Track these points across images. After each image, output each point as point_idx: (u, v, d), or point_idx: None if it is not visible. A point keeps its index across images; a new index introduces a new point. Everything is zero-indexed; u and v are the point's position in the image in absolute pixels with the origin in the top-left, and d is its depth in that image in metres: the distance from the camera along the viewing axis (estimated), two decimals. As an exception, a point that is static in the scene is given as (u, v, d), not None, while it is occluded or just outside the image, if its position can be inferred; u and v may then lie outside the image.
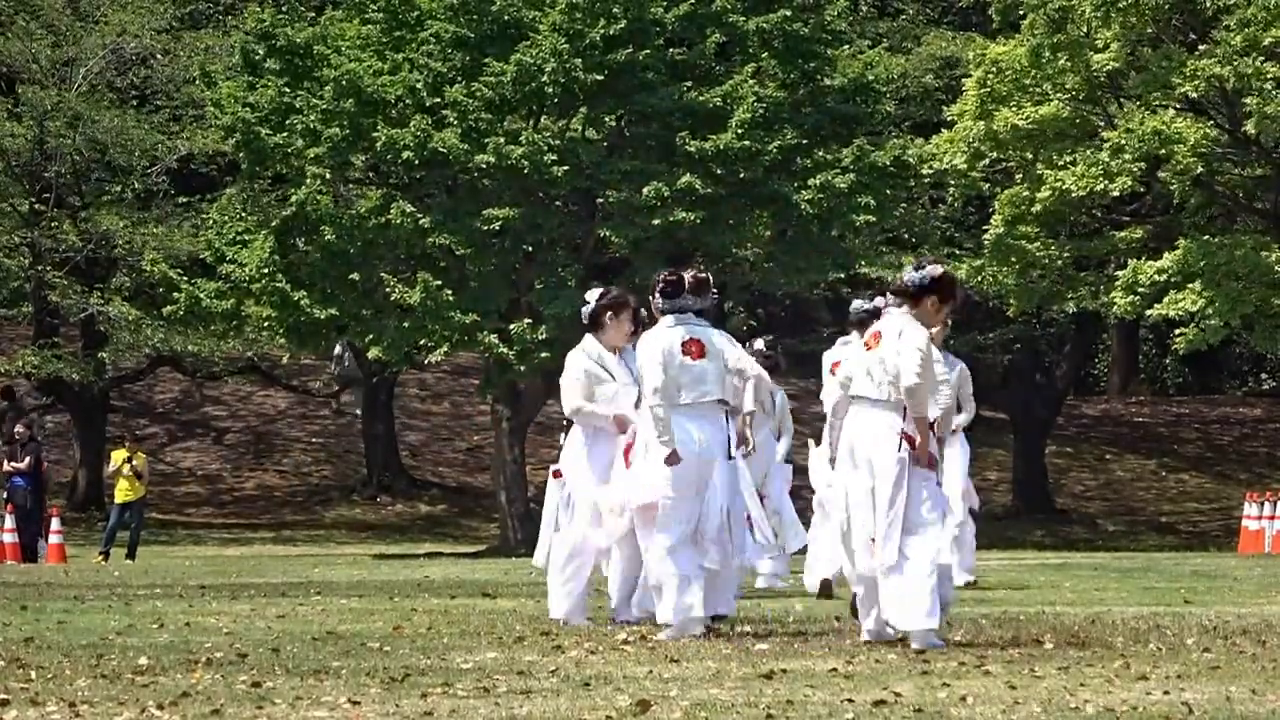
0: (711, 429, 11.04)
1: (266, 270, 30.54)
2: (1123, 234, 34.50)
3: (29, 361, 37.69)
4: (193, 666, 8.74)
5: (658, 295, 11.24)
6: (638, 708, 7.05)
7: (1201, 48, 31.34)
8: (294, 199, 31.00)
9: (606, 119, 31.88)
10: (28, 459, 29.93)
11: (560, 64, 29.81)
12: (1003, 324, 40.52)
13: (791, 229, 31.96)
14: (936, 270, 10.31)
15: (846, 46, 33.25)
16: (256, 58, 31.45)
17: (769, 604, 13.76)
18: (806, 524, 15.80)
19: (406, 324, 30.27)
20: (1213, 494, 43.66)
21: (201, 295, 31.48)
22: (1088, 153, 31.48)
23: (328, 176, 31.75)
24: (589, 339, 11.96)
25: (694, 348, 11.06)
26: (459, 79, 30.65)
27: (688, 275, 11.33)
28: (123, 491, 30.08)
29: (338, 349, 41.76)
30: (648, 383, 10.97)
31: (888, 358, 10.14)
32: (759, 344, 15.33)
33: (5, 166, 38.46)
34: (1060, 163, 31.71)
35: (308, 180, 31.21)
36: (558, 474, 11.98)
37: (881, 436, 10.08)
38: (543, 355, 30.22)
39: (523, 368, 30.54)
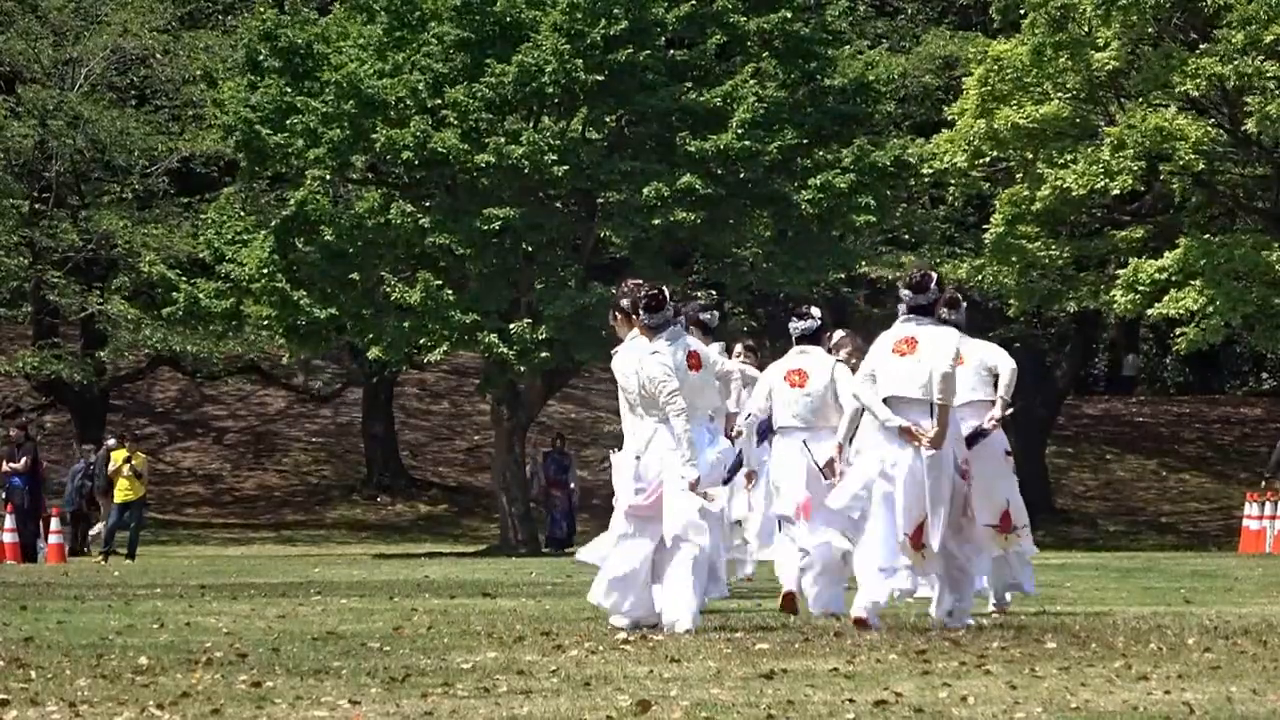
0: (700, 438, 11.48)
1: (266, 270, 30.53)
2: (1123, 233, 34.49)
3: (29, 362, 37.67)
4: (193, 666, 8.73)
5: (644, 314, 11.37)
6: (638, 707, 7.05)
7: (1202, 46, 31.32)
8: (293, 199, 31.00)
9: (607, 119, 31.87)
10: (24, 459, 29.94)
11: (561, 64, 29.80)
12: (1003, 324, 40.53)
13: (792, 229, 31.97)
14: (933, 276, 11.20)
15: (847, 47, 33.25)
16: (259, 56, 31.45)
17: (769, 604, 13.74)
18: None
19: (406, 324, 30.26)
20: (1213, 494, 43.64)
21: (201, 295, 31.48)
22: (1089, 150, 31.47)
23: (328, 177, 31.75)
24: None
25: (694, 360, 11.43)
26: (460, 79, 30.64)
27: (663, 290, 11.59)
28: (122, 491, 30.09)
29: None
30: (679, 401, 11.15)
31: (925, 359, 10.94)
32: (838, 334, 14.72)
33: (6, 166, 38.45)
34: (1061, 161, 31.70)
35: (307, 180, 31.21)
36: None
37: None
38: (543, 355, 30.22)
39: (523, 368, 30.54)
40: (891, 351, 11.08)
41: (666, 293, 11.56)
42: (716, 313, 14.66)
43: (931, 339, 11.01)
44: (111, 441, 33.09)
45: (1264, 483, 31.57)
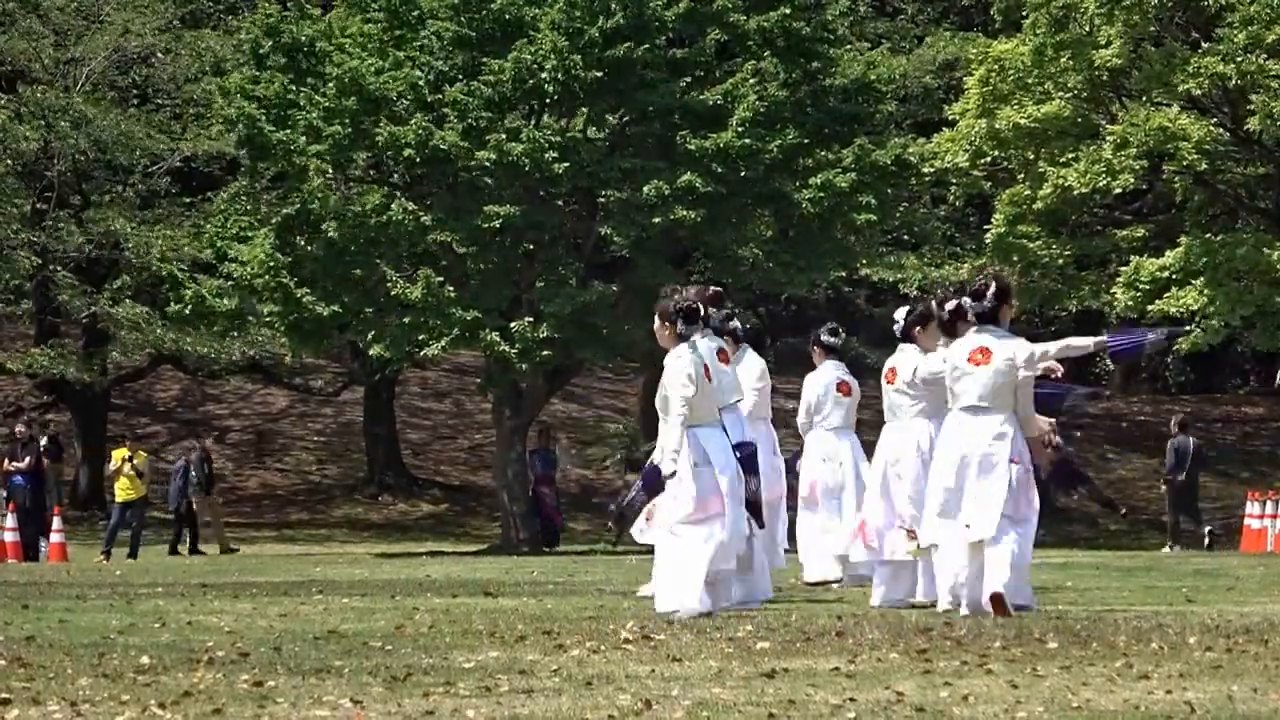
0: None
1: (270, 266, 30.52)
2: (1124, 232, 34.50)
3: (36, 362, 37.65)
4: (194, 665, 8.73)
5: (682, 324, 12.31)
6: (640, 707, 7.05)
7: (1204, 45, 31.33)
8: (298, 195, 31.02)
9: (607, 117, 31.86)
10: (28, 458, 29.95)
11: (560, 62, 29.81)
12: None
13: (792, 228, 31.97)
14: (991, 284, 12.09)
15: (848, 46, 33.25)
16: (262, 52, 31.48)
17: (770, 604, 13.75)
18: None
19: (407, 320, 30.27)
20: (1214, 493, 43.58)
21: (206, 294, 31.50)
22: (1091, 149, 31.48)
23: (329, 172, 31.75)
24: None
25: (722, 356, 12.86)
26: (459, 77, 30.65)
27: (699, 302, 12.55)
28: (123, 490, 30.11)
29: None
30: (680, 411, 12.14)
31: (1000, 369, 11.91)
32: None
33: (9, 166, 38.42)
34: (1063, 160, 31.72)
35: (311, 174, 31.20)
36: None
37: (995, 439, 11.89)
38: (544, 354, 30.21)
39: (524, 366, 30.54)
40: (967, 361, 12.03)
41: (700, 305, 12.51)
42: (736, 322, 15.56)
43: (1002, 347, 11.98)
44: (209, 441, 33.54)
45: (1164, 484, 32.07)
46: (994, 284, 12.15)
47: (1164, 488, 32.59)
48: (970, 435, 11.98)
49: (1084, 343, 13.18)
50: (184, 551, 31.88)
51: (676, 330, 12.24)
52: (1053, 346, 12.54)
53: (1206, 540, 31.27)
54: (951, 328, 12.77)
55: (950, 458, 12.06)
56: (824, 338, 16.69)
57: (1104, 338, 13.54)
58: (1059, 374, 12.91)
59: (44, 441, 35.08)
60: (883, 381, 14.28)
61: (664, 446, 12.04)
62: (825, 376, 16.62)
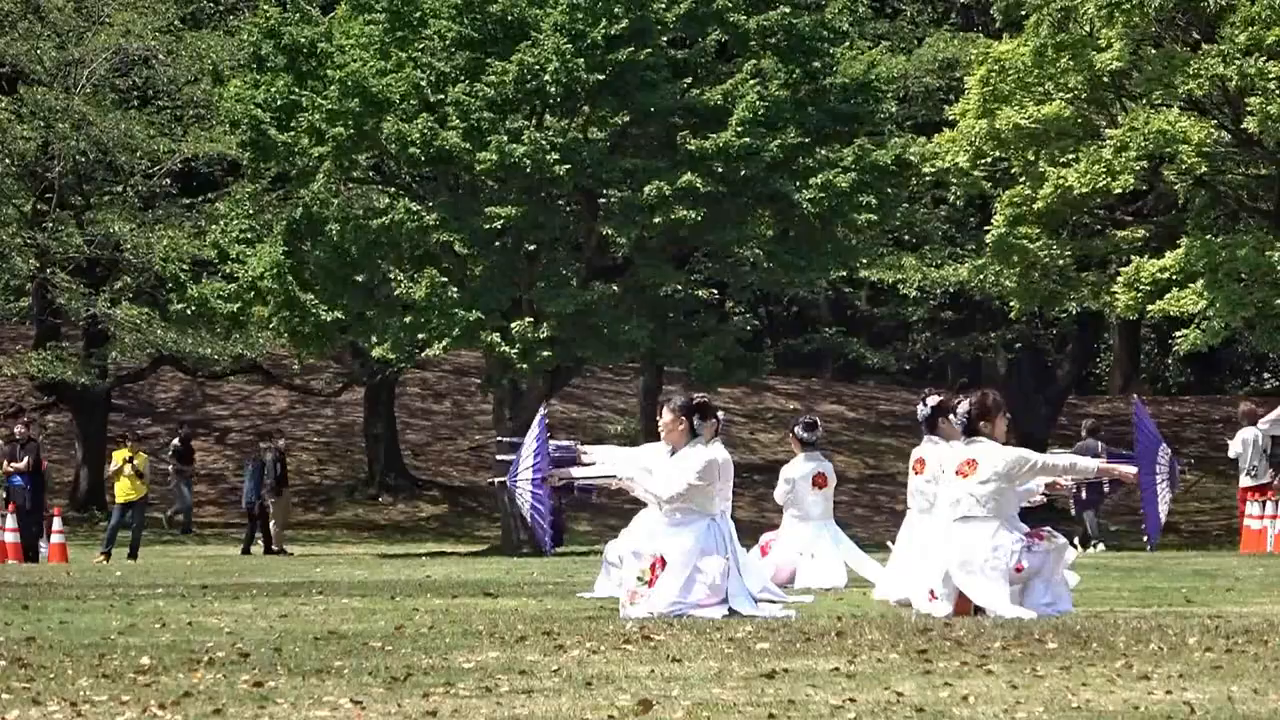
0: None
1: (275, 271, 30.51)
2: (1124, 233, 34.49)
3: (35, 364, 37.64)
4: (195, 666, 8.74)
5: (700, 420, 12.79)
6: (640, 707, 7.05)
7: (1205, 47, 31.31)
8: (303, 195, 31.01)
9: (609, 118, 31.86)
10: (27, 458, 29.93)
11: (562, 63, 29.81)
12: (1004, 324, 40.57)
13: (793, 228, 31.97)
14: (963, 404, 12.44)
15: (846, 44, 33.25)
16: (264, 53, 31.48)
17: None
18: None
19: (408, 319, 30.27)
20: (1214, 493, 43.63)
21: (210, 296, 31.50)
22: (1091, 150, 31.46)
23: (334, 174, 31.76)
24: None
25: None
26: (461, 78, 30.66)
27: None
28: (124, 491, 30.09)
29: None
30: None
31: (986, 479, 12.16)
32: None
33: (9, 167, 38.41)
34: (1063, 160, 31.71)
35: (318, 176, 31.20)
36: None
37: (994, 546, 12.09)
38: (545, 354, 30.22)
39: (525, 366, 30.55)
40: (955, 472, 12.41)
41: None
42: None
43: (990, 458, 12.26)
44: (282, 442, 33.69)
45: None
46: (964, 401, 12.51)
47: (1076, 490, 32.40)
48: (964, 543, 12.21)
49: (1089, 464, 13.34)
50: (255, 552, 31.95)
51: (691, 425, 12.61)
52: (1058, 460, 12.86)
53: (1097, 547, 30.86)
54: (933, 425, 13.82)
55: (945, 559, 12.32)
56: (800, 432, 17.33)
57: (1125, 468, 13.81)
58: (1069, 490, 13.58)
59: (175, 442, 35.67)
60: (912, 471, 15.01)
61: (641, 484, 12.86)
62: (801, 469, 17.19)
